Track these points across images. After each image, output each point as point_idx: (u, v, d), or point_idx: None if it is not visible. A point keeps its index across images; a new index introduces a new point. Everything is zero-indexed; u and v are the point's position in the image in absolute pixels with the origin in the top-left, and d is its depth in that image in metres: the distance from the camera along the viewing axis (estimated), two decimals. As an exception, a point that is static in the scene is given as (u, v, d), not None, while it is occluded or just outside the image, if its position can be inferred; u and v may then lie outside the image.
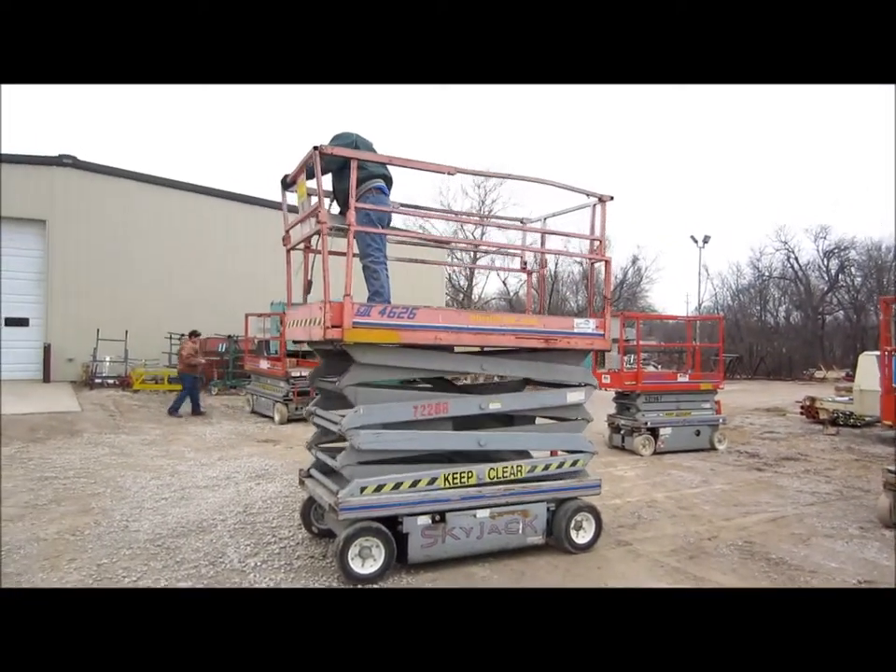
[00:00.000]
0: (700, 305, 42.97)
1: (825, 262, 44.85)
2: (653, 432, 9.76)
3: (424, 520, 4.57)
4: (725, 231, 67.29)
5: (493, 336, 4.79)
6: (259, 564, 4.71)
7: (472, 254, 43.21)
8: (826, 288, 44.79)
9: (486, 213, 36.66)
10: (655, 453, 9.70)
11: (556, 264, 48.52)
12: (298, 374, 12.61)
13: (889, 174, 53.34)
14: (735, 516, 6.38)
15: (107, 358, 16.97)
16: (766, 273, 46.31)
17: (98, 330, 16.78)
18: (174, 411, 13.06)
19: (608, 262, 5.37)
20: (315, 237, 4.78)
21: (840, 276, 44.47)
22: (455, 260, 25.61)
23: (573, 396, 5.29)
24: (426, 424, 4.75)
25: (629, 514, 6.36)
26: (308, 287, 5.14)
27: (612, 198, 5.19)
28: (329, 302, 4.13)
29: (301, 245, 5.19)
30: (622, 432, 10.10)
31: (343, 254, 4.31)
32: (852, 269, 44.37)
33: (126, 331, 17.04)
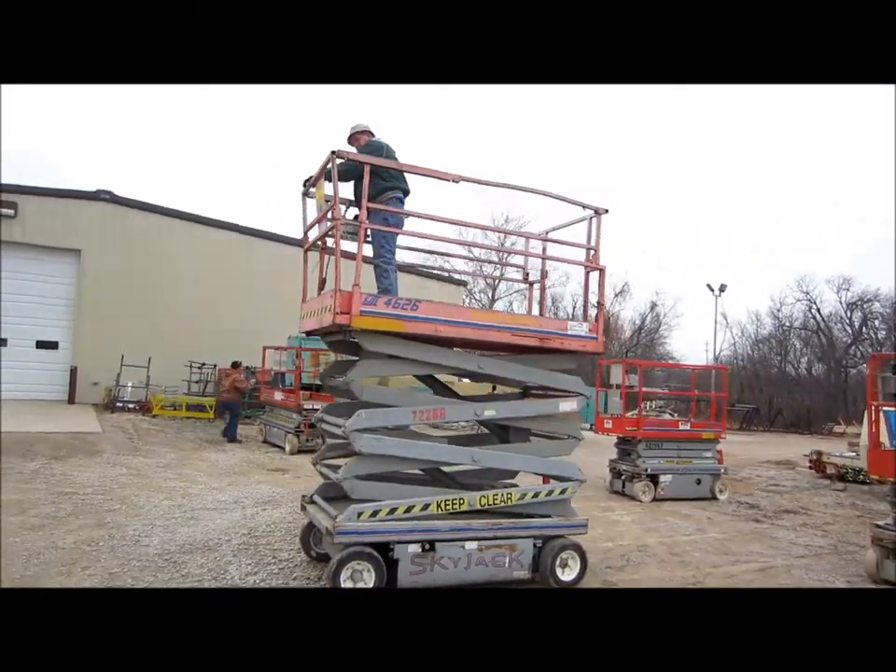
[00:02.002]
0: (719, 354, 42.82)
1: (848, 314, 44.50)
2: (654, 479, 9.88)
3: (414, 548, 4.81)
4: (744, 278, 67.00)
5: (490, 332, 5.07)
6: (258, 582, 5.01)
7: (490, 297, 43.39)
8: (850, 341, 44.34)
9: (504, 257, 37.16)
10: (655, 499, 9.81)
11: (574, 307, 48.83)
12: (310, 407, 12.97)
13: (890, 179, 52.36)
14: (723, 564, 6.52)
15: (130, 384, 17.50)
16: (787, 324, 46.07)
17: (122, 356, 17.36)
18: (232, 436, 13.93)
19: (602, 270, 5.61)
20: (330, 237, 5.18)
21: (864, 329, 44.05)
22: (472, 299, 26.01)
23: (565, 405, 5.53)
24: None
25: (618, 557, 6.53)
26: (322, 284, 5.50)
27: (607, 211, 5.52)
28: (340, 291, 4.52)
29: (319, 246, 5.60)
30: (622, 478, 10.25)
31: (355, 256, 4.73)
32: (876, 322, 43.98)
33: (149, 358, 17.60)
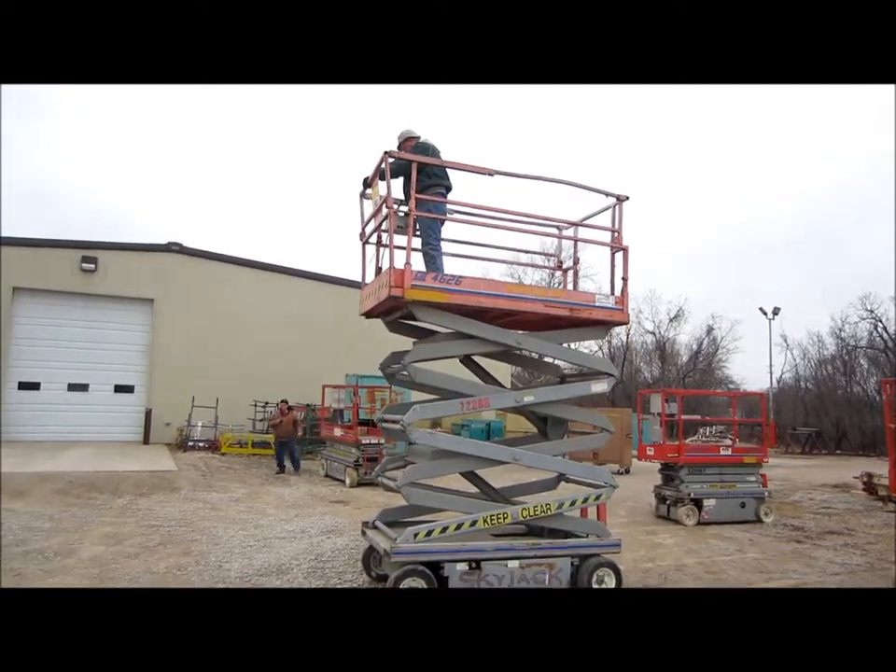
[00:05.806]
0: (781, 376, 41.66)
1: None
2: (697, 503, 10.17)
3: (462, 566, 5.44)
4: (804, 299, 65.12)
5: (525, 303, 5.68)
6: (326, 599, 5.69)
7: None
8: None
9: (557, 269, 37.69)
10: (699, 523, 10.09)
11: (628, 335, 48.64)
12: (368, 442, 13.71)
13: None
14: (756, 581, 6.87)
15: (199, 423, 18.72)
16: (851, 344, 44.54)
17: (193, 398, 18.62)
18: (282, 468, 15.15)
19: (625, 250, 6.15)
20: (384, 232, 5.89)
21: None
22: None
23: (597, 386, 6.10)
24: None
25: (656, 576, 6.96)
26: (378, 271, 6.22)
27: (628, 198, 6.10)
28: (394, 269, 5.24)
29: (374, 239, 6.28)
30: (667, 503, 10.57)
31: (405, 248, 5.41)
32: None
33: (217, 399, 18.79)
